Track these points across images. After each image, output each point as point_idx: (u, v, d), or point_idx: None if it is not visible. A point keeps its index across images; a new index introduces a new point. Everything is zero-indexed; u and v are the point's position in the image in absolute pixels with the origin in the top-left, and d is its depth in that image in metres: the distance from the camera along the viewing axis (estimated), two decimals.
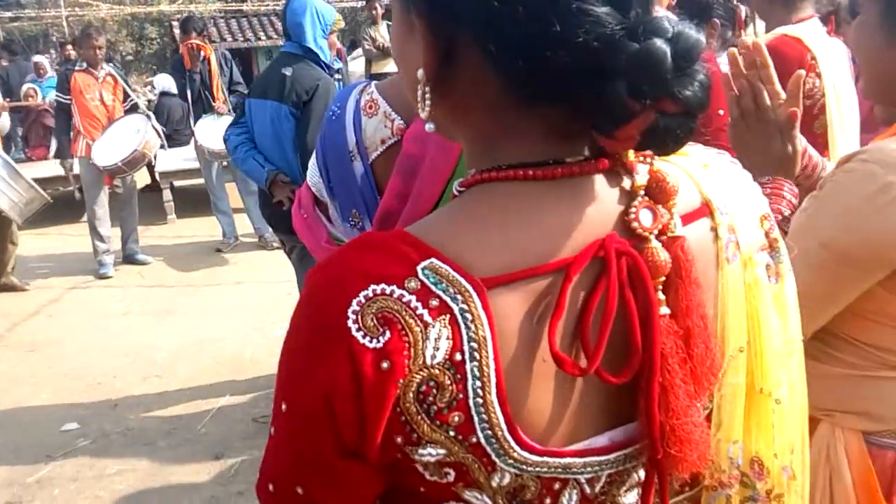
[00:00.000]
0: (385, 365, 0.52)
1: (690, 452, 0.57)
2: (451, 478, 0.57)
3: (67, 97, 5.30)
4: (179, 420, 3.32)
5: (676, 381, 0.56)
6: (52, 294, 5.20)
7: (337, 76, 6.10)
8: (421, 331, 0.52)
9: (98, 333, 4.41)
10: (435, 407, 0.53)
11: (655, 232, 0.57)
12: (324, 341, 0.54)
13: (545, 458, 0.57)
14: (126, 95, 5.61)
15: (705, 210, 0.62)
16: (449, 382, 0.53)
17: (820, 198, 1.06)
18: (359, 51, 9.42)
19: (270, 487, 0.61)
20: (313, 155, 1.40)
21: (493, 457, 0.55)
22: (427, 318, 0.52)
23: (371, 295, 0.53)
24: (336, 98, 1.38)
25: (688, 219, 0.60)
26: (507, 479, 0.57)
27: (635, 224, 0.57)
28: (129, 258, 5.76)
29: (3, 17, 16.96)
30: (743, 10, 2.48)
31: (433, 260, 0.53)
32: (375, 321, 0.52)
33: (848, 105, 1.85)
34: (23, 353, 4.20)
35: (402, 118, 1.26)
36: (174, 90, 7.70)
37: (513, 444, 0.55)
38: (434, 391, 0.53)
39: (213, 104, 5.82)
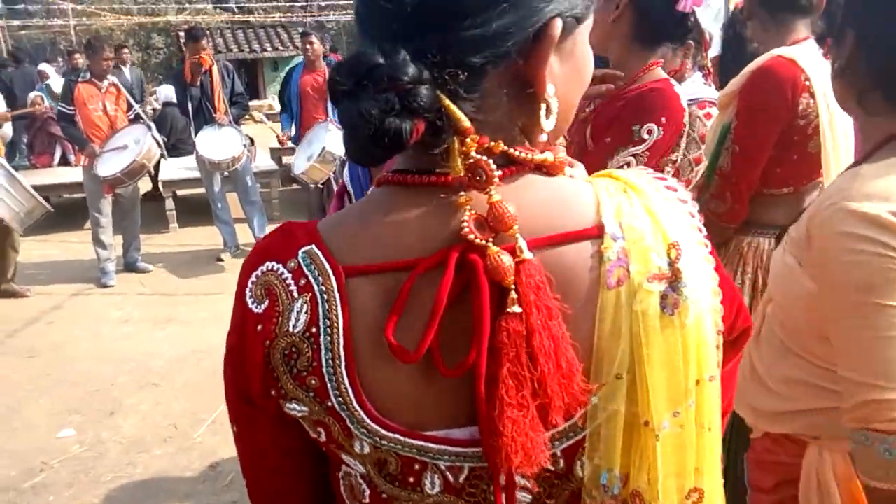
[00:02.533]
0: (259, 327, 0.63)
1: (514, 451, 0.58)
2: (323, 437, 0.66)
3: (71, 108, 5.34)
4: (176, 429, 3.32)
5: (508, 380, 0.58)
6: (52, 301, 5.22)
7: None
8: (288, 304, 0.62)
9: (97, 341, 4.43)
10: (296, 369, 0.63)
11: (490, 240, 0.59)
12: (235, 304, 0.66)
13: (397, 436, 0.63)
14: (129, 106, 5.65)
15: (593, 232, 0.62)
16: (306, 349, 0.62)
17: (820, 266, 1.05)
18: None
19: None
20: None
21: (348, 423, 0.63)
22: (295, 294, 0.62)
23: (265, 270, 0.64)
24: None
25: (567, 238, 0.62)
26: (367, 449, 0.64)
27: (468, 233, 0.59)
28: (130, 266, 5.78)
29: (12, 25, 17.09)
30: (707, 34, 2.80)
31: (312, 246, 0.64)
32: (262, 291, 0.64)
33: (842, 126, 1.87)
34: (22, 358, 4.22)
35: None
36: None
37: (363, 415, 0.63)
38: (295, 355, 0.62)
39: (215, 115, 5.84)
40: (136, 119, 5.66)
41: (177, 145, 7.74)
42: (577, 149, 1.73)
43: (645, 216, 0.63)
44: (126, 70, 7.37)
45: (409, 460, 0.64)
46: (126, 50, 8.59)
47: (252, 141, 5.93)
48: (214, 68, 5.95)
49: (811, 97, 1.84)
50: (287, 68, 6.54)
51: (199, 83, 5.85)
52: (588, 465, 0.63)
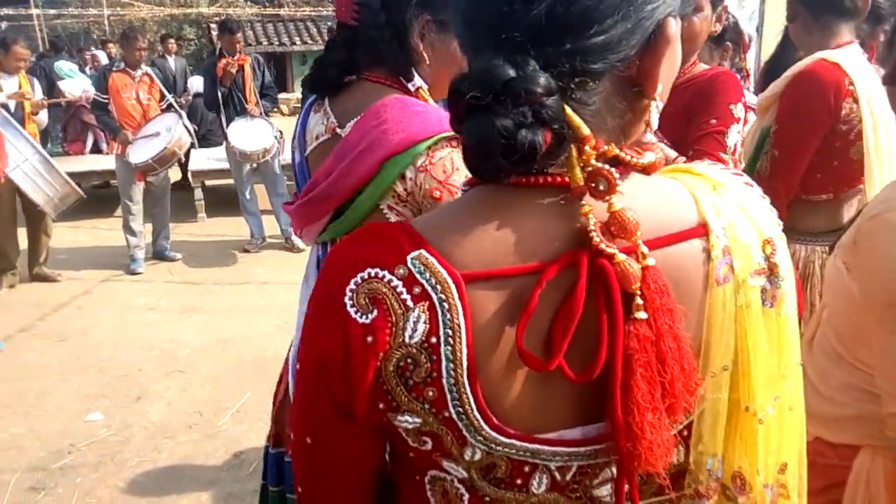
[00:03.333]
0: (370, 339, 0.60)
1: (651, 453, 0.59)
2: (429, 446, 0.64)
3: (105, 96, 5.42)
4: (201, 416, 3.36)
5: (641, 384, 0.59)
6: (83, 286, 5.30)
7: None
8: (402, 313, 0.59)
9: (125, 327, 4.49)
10: (412, 381, 0.60)
11: (617, 248, 0.59)
12: (325, 314, 0.63)
13: (513, 441, 0.62)
14: (162, 95, 5.72)
15: (700, 231, 0.63)
16: (424, 361, 0.60)
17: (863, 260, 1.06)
18: None
19: (292, 436, 0.71)
20: None
21: (464, 432, 0.62)
22: (409, 302, 0.59)
23: (366, 277, 0.60)
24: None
25: (678, 237, 0.63)
26: (478, 455, 0.63)
27: (602, 244, 0.59)
28: (158, 254, 5.86)
29: (47, 14, 17.38)
30: (747, 36, 2.74)
31: (422, 251, 0.60)
32: (367, 300, 0.60)
33: (885, 132, 1.84)
34: (52, 342, 4.29)
35: (335, 118, 1.32)
36: None
37: (482, 423, 0.61)
38: (411, 367, 0.60)
39: (246, 107, 5.89)
40: (169, 108, 5.72)
41: (206, 136, 7.82)
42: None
43: (739, 213, 0.65)
44: (171, 59, 7.46)
45: (521, 463, 0.63)
46: (171, 40, 8.70)
47: (282, 133, 5.96)
48: (247, 63, 6.00)
49: (854, 102, 1.81)
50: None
51: (228, 84, 5.89)
52: (692, 452, 0.65)
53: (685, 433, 0.66)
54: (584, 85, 0.58)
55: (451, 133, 1.13)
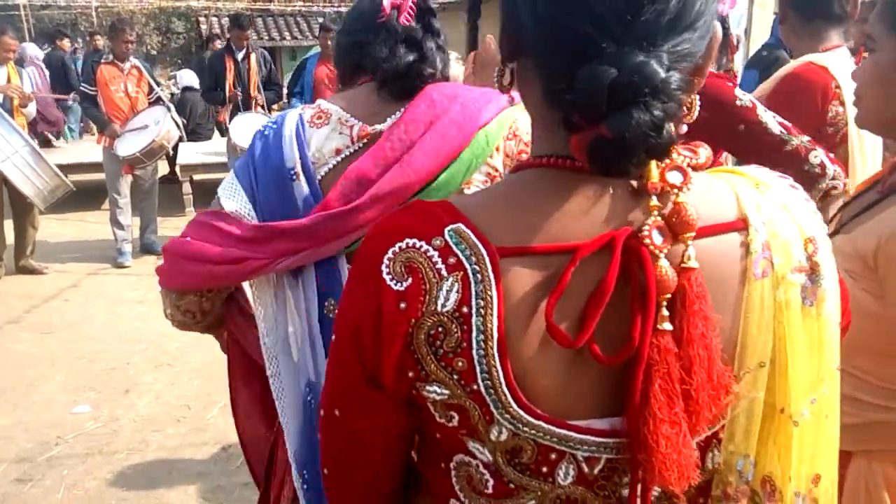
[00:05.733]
0: (402, 305, 0.61)
1: (665, 467, 0.58)
2: (456, 422, 0.64)
3: (93, 88, 5.39)
4: (189, 409, 3.36)
5: (659, 396, 0.59)
6: (70, 279, 5.27)
7: None
8: (436, 282, 0.61)
9: (113, 320, 4.48)
10: (442, 350, 0.61)
11: (665, 251, 0.60)
12: (362, 282, 0.64)
13: (541, 423, 0.62)
14: (150, 88, 5.69)
15: (739, 224, 0.64)
16: (455, 330, 0.60)
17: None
18: None
19: (321, 412, 0.73)
20: (230, 177, 1.18)
21: (492, 407, 0.61)
22: (444, 272, 0.61)
23: (404, 246, 0.62)
24: (272, 119, 1.22)
25: (717, 230, 0.63)
26: (504, 435, 0.63)
27: (647, 241, 0.60)
28: (146, 248, 5.83)
29: (34, 5, 17.19)
30: (734, 38, 2.76)
31: (460, 225, 0.62)
32: (402, 268, 0.62)
33: (871, 136, 1.87)
34: (39, 335, 4.27)
35: (362, 121, 1.14)
36: (197, 85, 7.76)
37: (510, 399, 0.61)
38: (442, 336, 0.61)
39: (249, 102, 5.91)
40: (157, 101, 5.70)
41: (196, 130, 7.79)
42: None
43: (781, 211, 0.65)
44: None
45: (547, 449, 0.63)
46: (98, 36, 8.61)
47: None
48: (253, 56, 6.01)
49: (841, 105, 1.84)
50: (301, 59, 6.58)
51: (234, 70, 5.90)
52: (723, 452, 0.64)
53: (720, 435, 0.65)
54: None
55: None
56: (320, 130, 1.14)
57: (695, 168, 0.64)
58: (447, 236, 0.62)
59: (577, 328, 0.60)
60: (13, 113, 5.04)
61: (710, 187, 0.66)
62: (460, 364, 0.61)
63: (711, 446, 0.65)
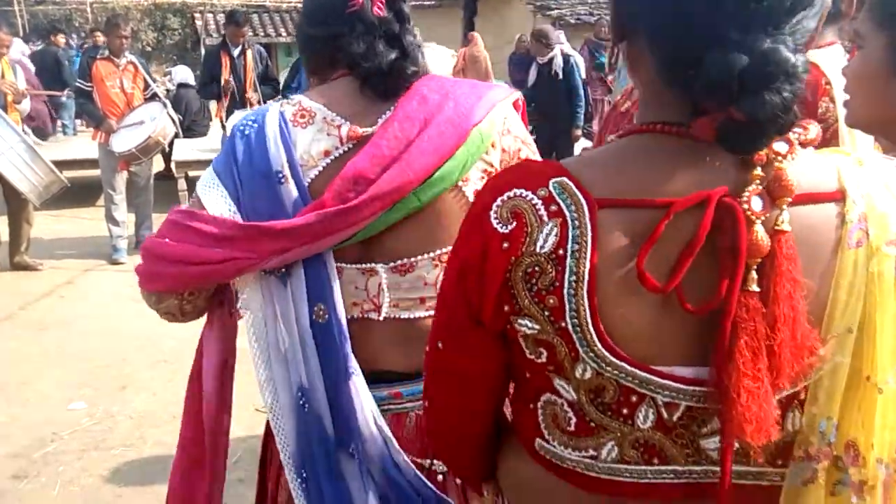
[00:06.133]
0: (505, 245, 0.68)
1: (745, 419, 0.62)
2: (544, 358, 0.70)
3: (89, 84, 5.38)
4: None
5: (745, 351, 0.63)
6: (65, 276, 5.27)
7: None
8: (538, 226, 0.67)
9: (108, 317, 4.47)
10: (536, 287, 0.68)
11: (763, 219, 0.64)
12: (472, 227, 0.72)
13: (624, 364, 0.67)
14: (146, 84, 5.67)
15: (837, 196, 0.67)
16: (550, 270, 0.67)
17: None
18: None
19: (427, 347, 0.82)
20: (209, 175, 1.15)
21: (577, 344, 0.67)
22: (545, 217, 0.67)
23: (511, 195, 0.69)
24: (249, 115, 1.16)
25: (816, 198, 0.67)
26: (588, 374, 0.68)
27: (745, 206, 0.64)
28: (141, 244, 5.81)
29: (28, 0, 17.11)
30: None
31: (564, 178, 0.69)
32: (508, 214, 0.69)
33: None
34: (34, 331, 4.27)
35: (349, 121, 1.11)
36: (192, 81, 7.74)
37: (595, 337, 0.66)
38: (538, 274, 0.67)
39: (245, 97, 5.91)
40: (153, 97, 5.69)
41: (191, 126, 7.77)
42: None
43: (880, 187, 0.68)
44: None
45: (629, 391, 0.68)
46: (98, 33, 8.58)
47: None
48: (249, 52, 6.00)
49: (831, 101, 1.85)
50: (298, 56, 6.55)
51: (230, 66, 5.90)
52: (806, 414, 0.67)
53: (802, 396, 0.67)
54: None
55: (511, 94, 1.17)
56: (305, 131, 1.11)
57: (803, 144, 0.68)
58: (551, 187, 0.68)
59: (666, 277, 0.65)
60: (7, 109, 5.02)
61: (814, 161, 0.69)
62: (551, 301, 0.67)
63: (793, 407, 0.67)
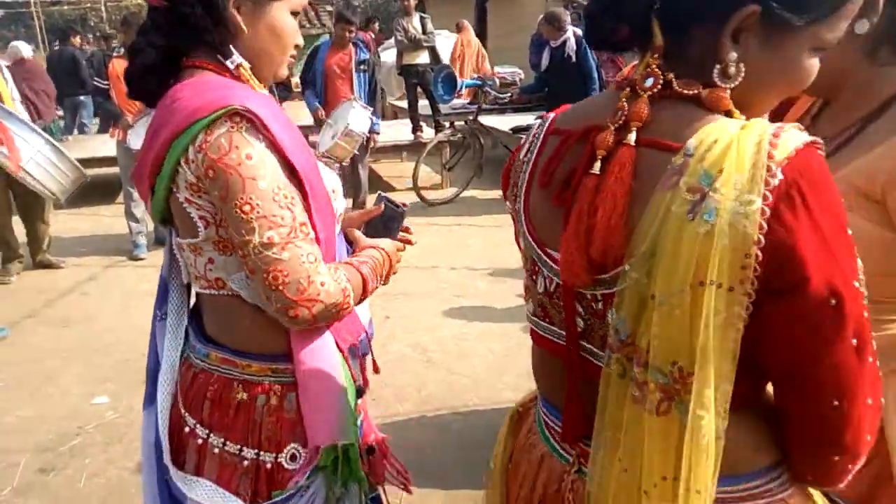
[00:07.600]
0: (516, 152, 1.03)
1: (564, 265, 0.82)
2: (516, 227, 1.00)
3: (105, 82, 5.42)
4: None
5: (573, 220, 0.81)
6: (87, 272, 5.34)
7: (362, 67, 6.13)
8: (526, 143, 0.99)
9: (130, 312, 4.52)
10: (513, 181, 1.01)
11: (617, 125, 0.82)
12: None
13: (531, 241, 0.93)
14: None
15: (678, 147, 0.76)
16: (520, 169, 0.98)
17: None
18: (390, 41, 9.46)
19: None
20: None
21: (521, 223, 0.96)
22: (529, 138, 0.98)
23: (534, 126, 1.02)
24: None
25: (662, 146, 0.78)
26: (523, 245, 0.96)
27: (611, 125, 0.83)
28: (160, 240, 5.87)
29: (44, 1, 17.27)
30: None
31: (551, 116, 0.97)
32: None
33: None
34: (57, 328, 4.33)
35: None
36: None
37: (523, 220, 0.94)
38: (516, 173, 0.99)
39: None
40: None
41: None
42: None
43: (729, 147, 0.73)
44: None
45: (533, 262, 0.93)
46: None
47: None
48: None
49: None
50: (312, 46, 6.51)
51: None
52: (611, 313, 0.81)
53: (611, 293, 0.80)
54: None
55: (233, 108, 1.08)
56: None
57: (710, 105, 0.79)
58: (538, 121, 0.99)
59: (561, 184, 0.87)
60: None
61: (699, 121, 0.78)
62: (514, 190, 0.97)
63: (611, 305, 0.80)
